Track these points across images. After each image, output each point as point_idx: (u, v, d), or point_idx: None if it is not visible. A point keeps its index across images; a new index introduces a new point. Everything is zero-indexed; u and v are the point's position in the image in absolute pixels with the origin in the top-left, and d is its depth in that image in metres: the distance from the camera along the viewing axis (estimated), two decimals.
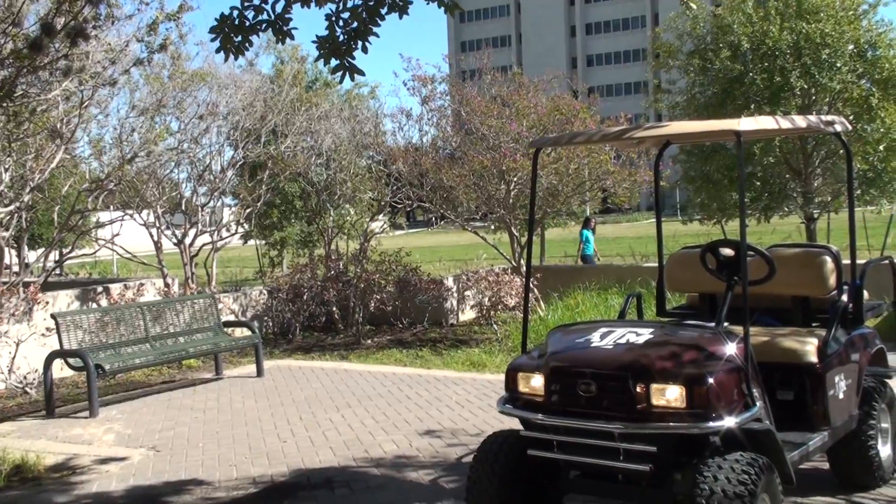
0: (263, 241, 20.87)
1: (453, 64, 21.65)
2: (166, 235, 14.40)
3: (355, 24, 5.38)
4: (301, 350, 12.66)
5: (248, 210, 15.72)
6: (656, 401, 4.28)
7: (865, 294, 6.01)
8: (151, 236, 14.54)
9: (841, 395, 5.20)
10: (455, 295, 14.22)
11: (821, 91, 14.47)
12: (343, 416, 8.40)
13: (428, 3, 6.04)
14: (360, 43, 5.40)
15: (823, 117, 5.66)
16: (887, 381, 5.85)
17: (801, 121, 5.36)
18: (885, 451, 5.62)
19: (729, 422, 4.25)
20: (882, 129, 14.27)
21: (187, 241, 14.36)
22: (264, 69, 19.00)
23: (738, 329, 5.39)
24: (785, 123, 5.21)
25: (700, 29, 15.57)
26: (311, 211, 16.36)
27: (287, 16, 5.52)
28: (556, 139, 5.58)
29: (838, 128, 5.60)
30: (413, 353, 11.81)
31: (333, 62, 5.48)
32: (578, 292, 13.52)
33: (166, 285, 13.26)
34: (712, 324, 4.87)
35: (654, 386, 4.29)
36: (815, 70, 14.10)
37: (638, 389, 4.31)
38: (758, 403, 4.38)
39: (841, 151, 14.85)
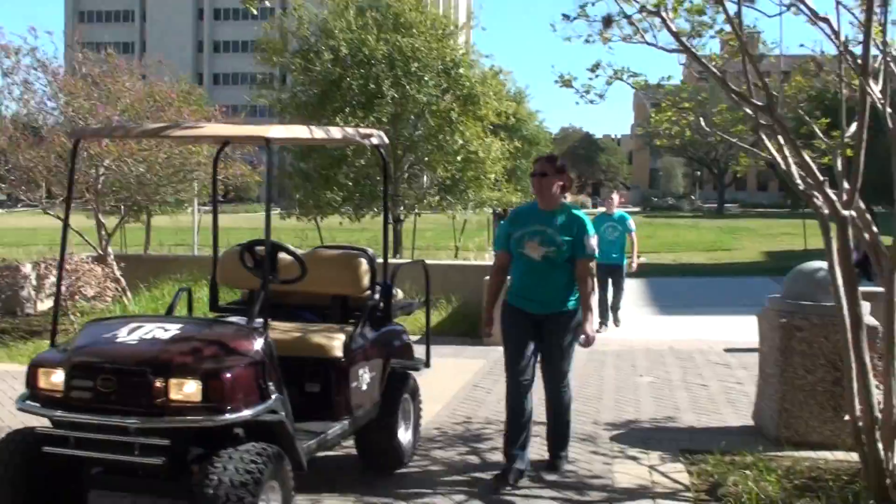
0: None
1: (69, 34, 20.26)
2: None
3: None
4: None
5: None
6: (174, 395, 4.42)
7: (400, 293, 6.63)
8: None
9: (364, 387, 5.69)
10: (33, 283, 13.36)
11: (410, 101, 15.63)
12: None
13: None
14: None
15: (362, 130, 6.12)
16: (413, 372, 6.49)
17: (336, 132, 5.78)
18: (405, 436, 6.22)
19: (244, 414, 4.50)
20: (461, 142, 15.73)
21: None
22: None
23: (280, 324, 5.72)
24: (319, 133, 5.59)
25: (305, 30, 16.09)
26: None
27: None
28: (97, 130, 5.51)
29: (375, 141, 6.10)
30: None
31: None
32: (168, 283, 13.37)
33: None
34: (244, 319, 5.10)
35: (171, 381, 4.42)
36: (405, 81, 15.19)
37: (157, 384, 4.42)
38: (273, 396, 4.67)
39: (426, 159, 16.22)
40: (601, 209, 12.73)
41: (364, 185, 16.50)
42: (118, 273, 13.21)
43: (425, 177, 16.81)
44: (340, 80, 15.39)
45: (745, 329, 12.96)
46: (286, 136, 5.06)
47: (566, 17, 6.04)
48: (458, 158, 15.83)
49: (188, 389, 4.41)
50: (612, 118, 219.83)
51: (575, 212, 5.91)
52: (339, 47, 15.38)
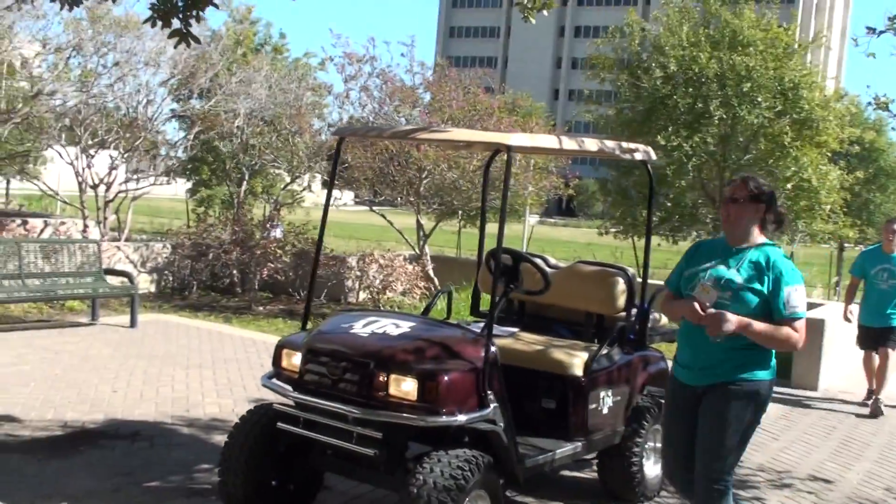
0: (191, 197, 20.97)
1: (440, 51, 21.70)
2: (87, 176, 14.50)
3: None
4: (192, 308, 12.76)
5: (170, 162, 15.85)
6: (392, 391, 4.47)
7: (665, 319, 6.25)
8: (77, 176, 14.60)
9: (605, 410, 5.42)
10: (356, 274, 14.37)
11: (740, 123, 14.78)
12: (187, 374, 8.53)
13: None
14: (195, 11, 5.50)
15: (624, 144, 5.79)
16: None
17: (592, 145, 5.48)
18: (652, 469, 5.84)
19: (458, 419, 4.44)
20: (794, 168, 14.63)
21: (102, 188, 14.49)
22: (214, 25, 19.12)
23: (528, 335, 5.64)
24: (570, 145, 5.38)
25: (635, 46, 15.84)
26: (240, 172, 16.48)
27: None
28: (355, 130, 5.74)
29: (639, 156, 5.77)
30: (296, 325, 11.95)
31: (174, 26, 5.58)
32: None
33: (85, 227, 13.39)
34: (480, 324, 5.07)
35: (392, 376, 4.47)
36: (735, 101, 14.40)
37: (379, 378, 4.50)
38: (492, 405, 4.57)
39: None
40: None
41: (684, 207, 15.89)
42: (431, 272, 13.84)
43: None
44: (667, 98, 14.95)
45: None
46: (529, 145, 4.93)
47: (871, 29, 5.32)
48: (789, 186, 14.72)
49: (406, 387, 4.44)
50: None
51: (774, 254, 4.23)
52: (668, 64, 14.95)
